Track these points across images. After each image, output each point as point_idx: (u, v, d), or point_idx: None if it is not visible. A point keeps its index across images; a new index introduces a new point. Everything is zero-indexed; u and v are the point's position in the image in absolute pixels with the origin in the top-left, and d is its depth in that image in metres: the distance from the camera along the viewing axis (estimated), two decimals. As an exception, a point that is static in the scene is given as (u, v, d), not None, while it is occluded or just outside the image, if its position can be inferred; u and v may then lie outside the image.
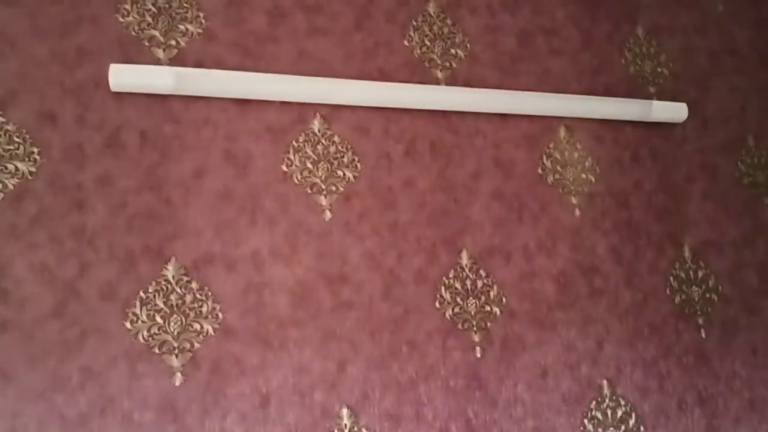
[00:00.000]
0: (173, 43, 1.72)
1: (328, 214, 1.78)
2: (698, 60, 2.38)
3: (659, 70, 2.30)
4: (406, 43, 1.97)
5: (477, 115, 1.99)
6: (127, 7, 1.70)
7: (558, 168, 2.08)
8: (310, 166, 1.79)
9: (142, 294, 1.58)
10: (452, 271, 1.88)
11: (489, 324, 1.89)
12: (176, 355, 1.58)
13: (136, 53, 1.68)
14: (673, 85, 2.32)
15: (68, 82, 1.61)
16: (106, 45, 1.66)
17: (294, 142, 1.79)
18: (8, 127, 1.54)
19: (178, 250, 1.63)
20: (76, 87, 1.61)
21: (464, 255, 1.90)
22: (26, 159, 1.54)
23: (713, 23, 2.45)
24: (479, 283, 1.90)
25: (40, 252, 1.52)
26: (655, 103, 2.15)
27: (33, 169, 1.54)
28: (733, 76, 2.43)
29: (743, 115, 2.41)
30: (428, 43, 2.00)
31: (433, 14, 2.02)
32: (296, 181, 1.76)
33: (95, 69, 1.64)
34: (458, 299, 1.87)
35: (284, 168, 1.76)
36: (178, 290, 1.61)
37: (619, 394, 2.00)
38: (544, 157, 2.07)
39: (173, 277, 1.61)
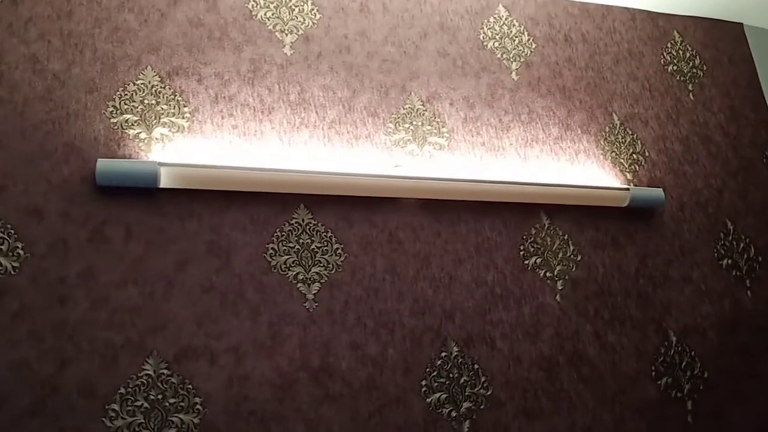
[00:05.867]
0: (158, 136, 1.76)
1: (311, 304, 1.78)
2: (672, 147, 2.46)
3: (635, 157, 2.37)
4: (387, 135, 2.02)
5: (458, 203, 2.03)
6: (115, 104, 1.75)
7: (540, 254, 2.10)
8: (294, 255, 1.80)
9: (122, 389, 1.55)
10: (438, 359, 1.87)
11: (475, 413, 1.86)
12: (155, 453, 1.55)
13: (122, 148, 1.72)
14: (650, 171, 2.38)
15: (55, 177, 1.63)
16: (93, 141, 1.70)
17: (278, 232, 1.81)
18: (-7, 223, 1.55)
19: (159, 344, 1.61)
20: (62, 182, 1.64)
21: (449, 343, 1.89)
22: (10, 254, 1.54)
23: (685, 112, 2.54)
24: (465, 372, 1.88)
25: (20, 348, 1.50)
26: (633, 189, 2.20)
27: (16, 265, 1.55)
28: (706, 161, 2.50)
29: (719, 198, 2.47)
30: (411, 134, 2.05)
31: (414, 107, 2.09)
32: (280, 271, 1.77)
33: (82, 164, 1.67)
34: (443, 388, 1.85)
35: (268, 258, 1.77)
36: (159, 385, 1.58)
37: (609, 484, 1.96)
38: (526, 243, 2.09)
39: (154, 372, 1.59)
